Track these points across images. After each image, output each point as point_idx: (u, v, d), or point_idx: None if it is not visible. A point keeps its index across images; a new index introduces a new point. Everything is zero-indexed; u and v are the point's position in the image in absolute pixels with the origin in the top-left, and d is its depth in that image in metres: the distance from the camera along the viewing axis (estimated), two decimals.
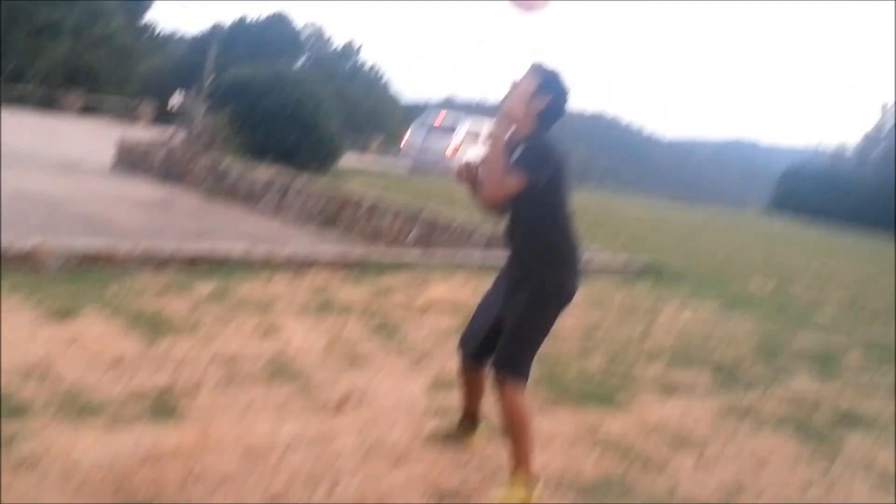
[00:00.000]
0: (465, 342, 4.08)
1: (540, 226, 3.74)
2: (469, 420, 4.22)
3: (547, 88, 3.73)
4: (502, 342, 3.78)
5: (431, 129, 27.57)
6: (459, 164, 3.92)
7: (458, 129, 26.53)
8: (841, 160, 37.22)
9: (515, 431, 3.74)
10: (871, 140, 36.49)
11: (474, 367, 4.03)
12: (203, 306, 5.95)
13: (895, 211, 31.41)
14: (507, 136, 3.65)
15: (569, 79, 3.78)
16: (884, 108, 35.71)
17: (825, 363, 7.23)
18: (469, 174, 3.84)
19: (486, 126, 25.77)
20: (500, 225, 4.00)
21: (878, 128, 36.06)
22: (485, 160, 3.65)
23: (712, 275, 11.79)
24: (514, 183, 3.54)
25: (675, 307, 8.86)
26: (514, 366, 3.74)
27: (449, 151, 25.80)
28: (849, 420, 5.59)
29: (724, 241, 17.45)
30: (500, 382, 3.74)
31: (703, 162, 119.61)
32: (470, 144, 25.41)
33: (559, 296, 3.79)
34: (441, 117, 28.16)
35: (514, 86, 3.74)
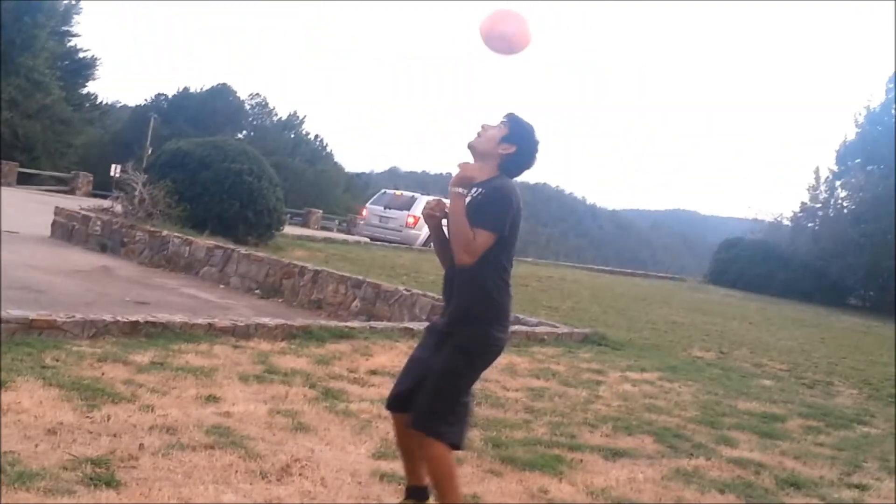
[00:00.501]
0: (392, 401, 3.95)
1: (480, 274, 3.67)
2: (417, 490, 3.99)
3: (515, 138, 3.76)
4: (423, 398, 3.71)
5: (392, 200, 29.14)
6: (428, 203, 3.87)
7: (416, 202, 27.93)
8: (778, 230, 37.87)
9: (442, 486, 3.71)
10: (807, 211, 37.16)
11: (407, 428, 3.85)
12: (142, 375, 5.86)
13: (829, 283, 32.06)
14: (463, 197, 3.65)
15: (539, 134, 3.80)
16: (816, 178, 36.48)
17: (767, 429, 7.28)
18: (437, 215, 3.81)
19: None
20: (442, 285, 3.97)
21: (814, 199, 36.75)
22: (451, 222, 3.67)
23: (654, 343, 11.87)
24: (483, 241, 3.59)
25: (617, 375, 8.90)
26: (436, 421, 3.67)
27: (410, 221, 27.39)
28: (792, 483, 5.63)
29: (665, 311, 17.60)
30: (423, 438, 3.69)
31: (643, 231, 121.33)
32: None
33: (486, 349, 3.74)
34: (399, 193, 29.96)
35: (485, 128, 3.78)
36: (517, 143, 3.75)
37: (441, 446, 3.67)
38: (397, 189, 31.95)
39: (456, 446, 3.75)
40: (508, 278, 3.76)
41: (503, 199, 3.65)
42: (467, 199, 3.67)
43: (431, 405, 3.69)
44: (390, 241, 26.22)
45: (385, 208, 28.84)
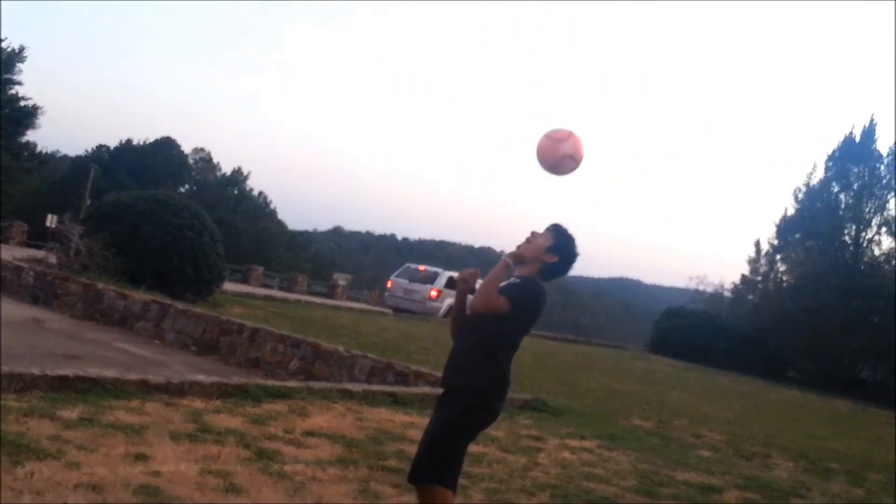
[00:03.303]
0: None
1: (486, 343, 4.07)
2: None
3: (559, 250, 4.22)
4: (418, 452, 4.06)
5: (415, 274, 31.81)
6: (463, 273, 4.33)
7: (438, 277, 30.71)
8: (719, 301, 38.28)
9: None
10: (748, 283, 37.68)
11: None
12: (70, 431, 5.67)
13: (768, 355, 32.43)
14: (507, 268, 4.11)
15: (580, 245, 4.30)
16: (757, 252, 37.03)
17: (704, 500, 7.25)
18: (469, 282, 4.26)
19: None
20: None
21: (754, 271, 37.31)
22: (487, 278, 4.05)
23: (594, 411, 11.84)
24: (501, 304, 3.96)
25: (556, 442, 8.83)
26: (427, 472, 4.00)
27: (433, 294, 29.93)
28: None
29: (606, 379, 17.64)
30: (417, 488, 4.05)
31: (586, 299, 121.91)
32: (449, 290, 29.97)
33: (481, 408, 4.06)
34: (423, 268, 32.74)
35: (534, 235, 4.23)
36: (560, 255, 4.22)
37: (444, 492, 3.98)
38: (420, 265, 34.63)
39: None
40: (510, 356, 4.16)
41: (533, 290, 4.14)
42: (505, 283, 4.09)
43: (424, 458, 4.02)
44: (413, 312, 28.48)
45: (409, 281, 31.19)
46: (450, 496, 4.00)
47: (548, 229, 4.26)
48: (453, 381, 4.15)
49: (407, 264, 34.73)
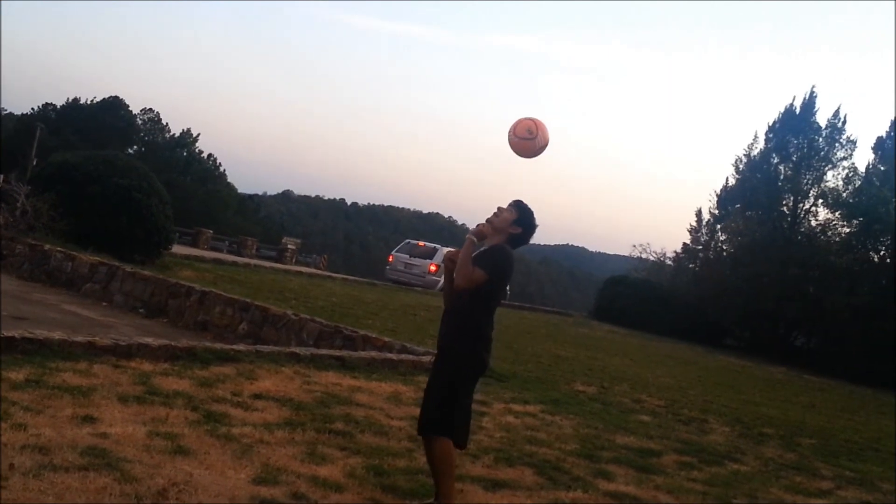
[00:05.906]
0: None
1: (471, 307, 4.82)
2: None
3: (522, 221, 4.99)
4: (426, 405, 4.85)
5: (415, 249, 33.51)
6: (448, 252, 5.16)
7: (437, 252, 32.18)
8: (661, 270, 38.61)
9: (440, 472, 4.75)
10: (689, 252, 38.01)
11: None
12: (16, 392, 5.70)
13: (708, 323, 32.80)
14: (473, 245, 4.83)
15: (538, 217, 5.07)
16: (698, 221, 37.32)
17: (643, 463, 7.45)
18: (455, 260, 4.90)
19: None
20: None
21: (695, 240, 37.64)
22: (460, 258, 4.82)
23: (537, 377, 12.00)
24: (479, 276, 4.73)
25: (501, 407, 8.99)
26: (430, 423, 4.77)
27: (432, 268, 31.43)
28: None
29: (550, 345, 17.82)
30: (423, 436, 4.81)
31: (532, 266, 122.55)
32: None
33: (469, 363, 4.84)
34: (422, 243, 34.71)
35: (500, 210, 4.97)
36: (523, 227, 5.00)
37: (439, 442, 4.72)
38: (419, 240, 36.75)
39: (459, 445, 4.89)
40: (492, 315, 4.95)
41: (503, 257, 4.92)
42: (476, 253, 4.86)
43: (427, 410, 4.83)
44: (413, 286, 30.07)
45: (410, 256, 32.79)
46: (450, 445, 4.73)
47: (511, 205, 4.99)
48: (447, 341, 4.90)
49: (407, 240, 36.49)
